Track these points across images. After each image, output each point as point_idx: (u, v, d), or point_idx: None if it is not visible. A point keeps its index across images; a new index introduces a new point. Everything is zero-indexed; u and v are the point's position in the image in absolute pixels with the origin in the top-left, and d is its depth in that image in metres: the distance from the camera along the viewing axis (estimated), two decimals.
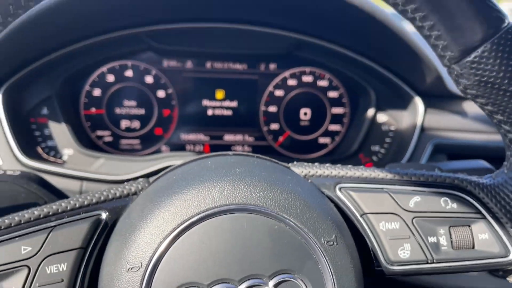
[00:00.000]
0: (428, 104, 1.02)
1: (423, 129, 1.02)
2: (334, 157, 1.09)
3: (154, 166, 0.97)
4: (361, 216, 0.48)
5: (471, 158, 1.02)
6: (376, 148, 1.08)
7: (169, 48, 1.02)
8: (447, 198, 0.50)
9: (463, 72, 0.41)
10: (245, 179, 0.42)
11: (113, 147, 1.07)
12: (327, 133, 1.14)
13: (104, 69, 1.04)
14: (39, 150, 0.98)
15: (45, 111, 0.98)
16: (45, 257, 0.41)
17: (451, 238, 0.49)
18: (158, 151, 1.09)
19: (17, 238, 0.41)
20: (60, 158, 0.99)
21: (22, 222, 0.42)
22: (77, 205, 0.44)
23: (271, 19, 0.99)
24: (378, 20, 0.89)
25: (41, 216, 0.43)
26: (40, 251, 0.41)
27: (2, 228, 0.41)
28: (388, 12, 0.91)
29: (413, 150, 1.00)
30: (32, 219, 0.42)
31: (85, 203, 0.45)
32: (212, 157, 0.49)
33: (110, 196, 0.46)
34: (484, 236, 0.49)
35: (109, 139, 1.07)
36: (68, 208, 0.44)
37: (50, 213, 0.43)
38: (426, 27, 0.40)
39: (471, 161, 0.80)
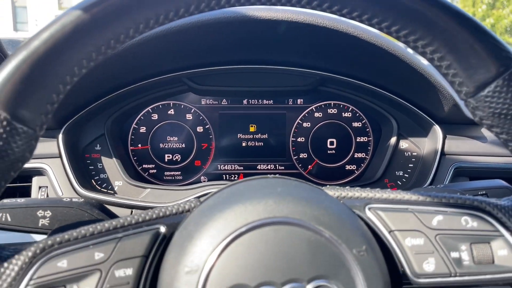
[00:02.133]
0: (447, 131, 1.09)
1: (444, 154, 1.08)
2: (360, 183, 1.16)
3: (194, 195, 1.06)
4: (389, 233, 0.53)
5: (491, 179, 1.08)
6: (400, 173, 1.15)
7: (206, 88, 1.14)
8: (467, 217, 0.53)
9: (478, 105, 0.46)
10: (286, 196, 0.50)
11: (157, 179, 1.18)
12: (353, 161, 1.21)
13: (148, 108, 1.16)
14: (93, 182, 1.10)
15: (98, 147, 1.10)
16: (114, 263, 0.47)
17: (472, 253, 0.52)
18: (197, 181, 1.19)
19: (91, 246, 0.48)
20: (111, 189, 1.10)
21: (95, 232, 0.49)
22: (140, 220, 0.51)
23: (298, 59, 1.10)
24: (397, 56, 0.98)
25: (111, 228, 0.49)
26: (110, 257, 0.47)
27: (79, 237, 0.48)
28: (404, 48, 1.00)
29: (435, 174, 1.07)
30: (103, 230, 0.49)
31: (147, 218, 0.51)
32: (256, 179, 0.57)
33: (167, 213, 0.53)
34: (503, 252, 0.52)
35: (153, 171, 1.18)
36: (133, 222, 0.51)
37: (118, 226, 0.50)
38: (443, 66, 0.46)
39: (490, 181, 0.86)
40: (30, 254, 0.46)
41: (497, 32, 25.70)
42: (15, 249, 0.48)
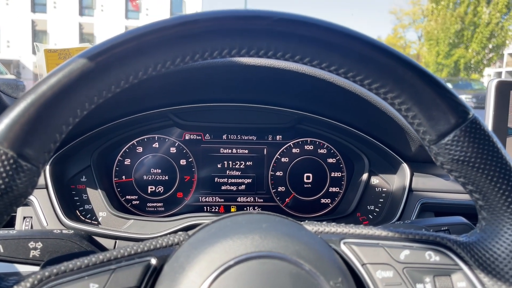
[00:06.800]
0: (414, 169, 1.18)
1: (411, 190, 1.17)
2: (334, 216, 1.23)
3: (176, 227, 1.10)
4: (361, 265, 0.59)
5: (454, 215, 1.17)
6: (371, 207, 1.23)
7: (190, 123, 1.20)
8: (431, 252, 0.59)
9: (440, 151, 0.52)
10: (270, 232, 0.56)
11: (140, 210, 1.21)
12: (328, 195, 1.28)
13: (134, 142, 1.21)
14: (77, 213, 1.12)
15: (83, 179, 1.14)
16: None
17: (435, 285, 0.57)
18: (179, 212, 1.23)
19: (86, 277, 0.51)
20: (95, 219, 1.13)
21: (90, 264, 0.52)
22: (132, 252, 0.55)
23: (277, 99, 1.17)
24: (368, 100, 1.07)
25: (105, 260, 0.52)
26: None
27: (75, 269, 0.51)
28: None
29: (403, 209, 1.15)
30: (97, 262, 0.52)
31: (138, 250, 0.55)
32: (241, 215, 0.62)
33: (158, 245, 0.57)
34: (462, 284, 0.58)
35: (136, 202, 1.21)
36: (125, 254, 0.54)
37: (112, 258, 0.53)
38: (409, 116, 0.52)
39: (452, 217, 0.94)
40: (28, 285, 0.49)
41: (460, 67, 26.98)
42: (14, 279, 0.51)
